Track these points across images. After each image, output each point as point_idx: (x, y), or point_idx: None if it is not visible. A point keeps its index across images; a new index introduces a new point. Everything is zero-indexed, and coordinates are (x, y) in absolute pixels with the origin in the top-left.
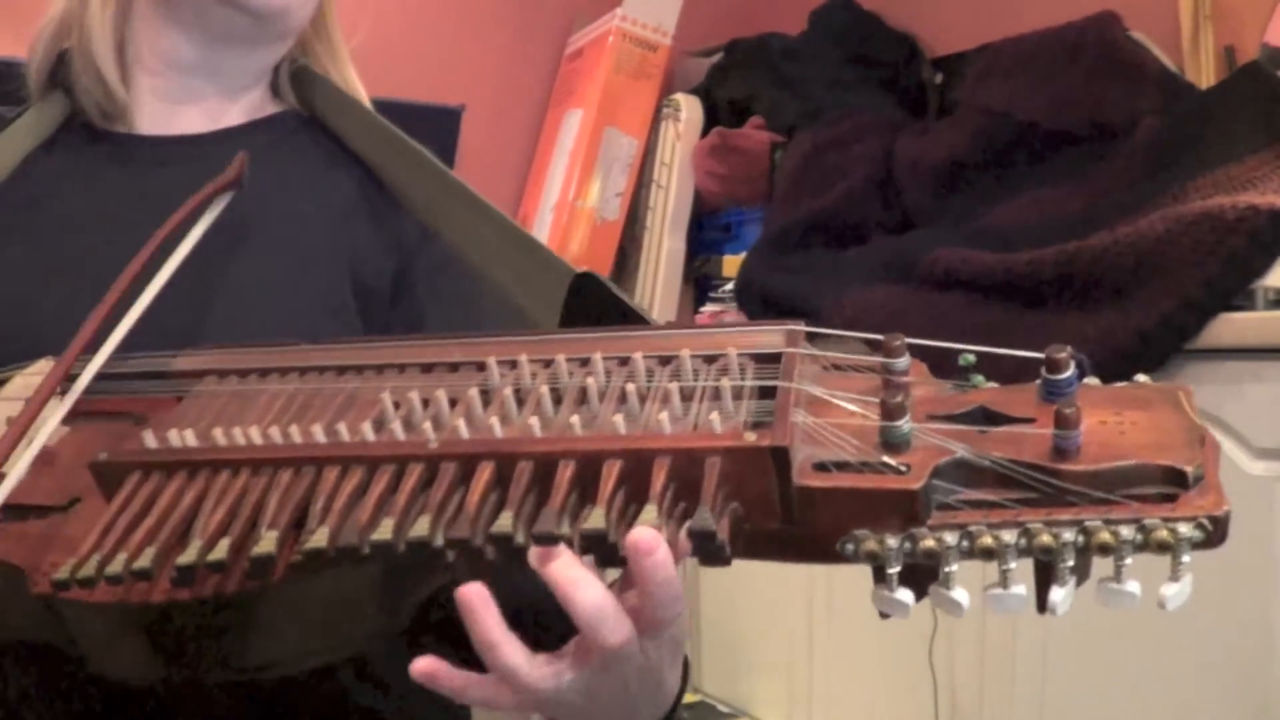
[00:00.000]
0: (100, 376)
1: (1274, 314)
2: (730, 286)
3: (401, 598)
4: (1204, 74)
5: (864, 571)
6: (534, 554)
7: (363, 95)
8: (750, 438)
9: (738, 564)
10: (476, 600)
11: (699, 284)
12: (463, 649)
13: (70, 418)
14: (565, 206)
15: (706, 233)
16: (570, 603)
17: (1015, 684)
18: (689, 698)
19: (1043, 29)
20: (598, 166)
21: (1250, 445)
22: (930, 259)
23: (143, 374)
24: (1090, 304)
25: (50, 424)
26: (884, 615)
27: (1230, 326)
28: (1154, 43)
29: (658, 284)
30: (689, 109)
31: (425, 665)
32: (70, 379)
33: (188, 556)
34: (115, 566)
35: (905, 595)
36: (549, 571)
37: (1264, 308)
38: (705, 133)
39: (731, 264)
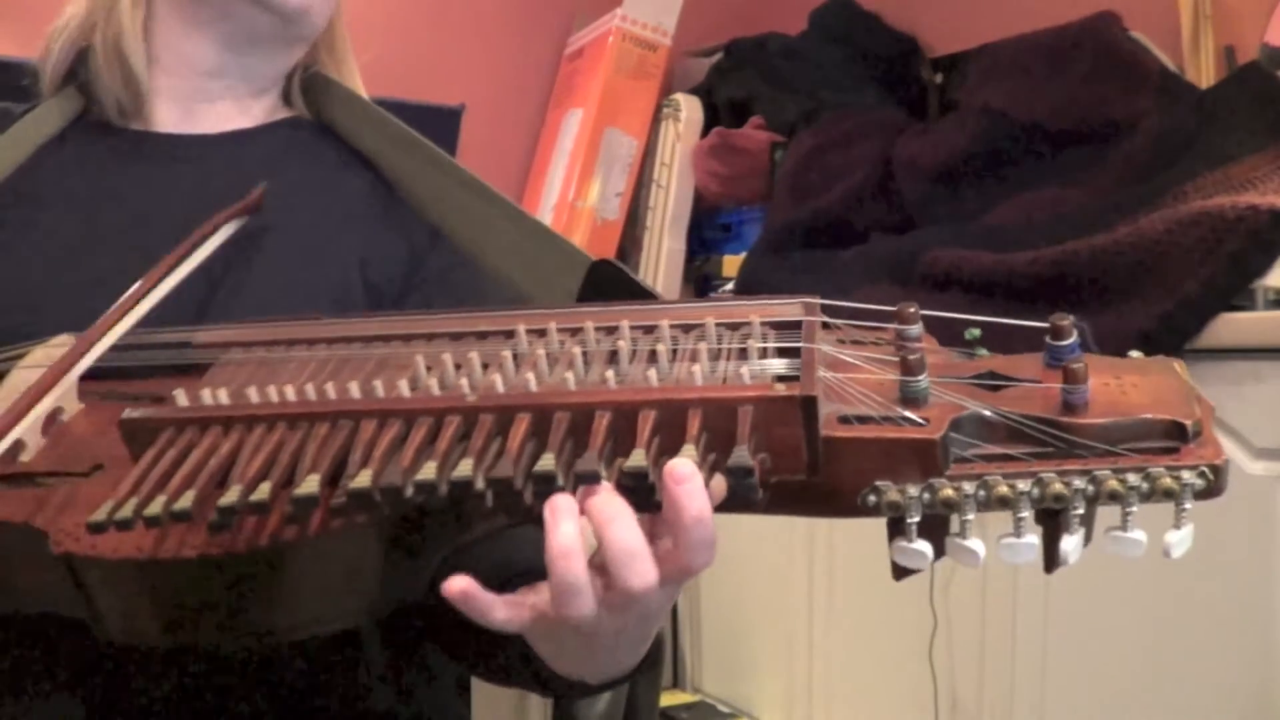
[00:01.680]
0: (121, 347)
1: (1274, 314)
2: (730, 286)
3: (415, 560)
4: (1204, 74)
5: (864, 570)
6: (579, 491)
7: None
8: (780, 389)
9: (738, 563)
10: (564, 506)
11: (699, 284)
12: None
13: (85, 396)
14: (565, 207)
15: (706, 233)
16: (604, 537)
17: (1015, 684)
18: (688, 697)
19: (1043, 29)
20: (598, 166)
21: (1250, 445)
22: (929, 259)
23: (165, 344)
24: (1090, 304)
25: (63, 384)
26: (899, 576)
27: (1230, 326)
28: (1154, 43)
29: (658, 284)
30: (689, 109)
31: (461, 584)
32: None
33: (229, 497)
34: (154, 508)
35: (924, 546)
36: (589, 505)
37: (1264, 308)
38: (705, 133)
39: (731, 264)
